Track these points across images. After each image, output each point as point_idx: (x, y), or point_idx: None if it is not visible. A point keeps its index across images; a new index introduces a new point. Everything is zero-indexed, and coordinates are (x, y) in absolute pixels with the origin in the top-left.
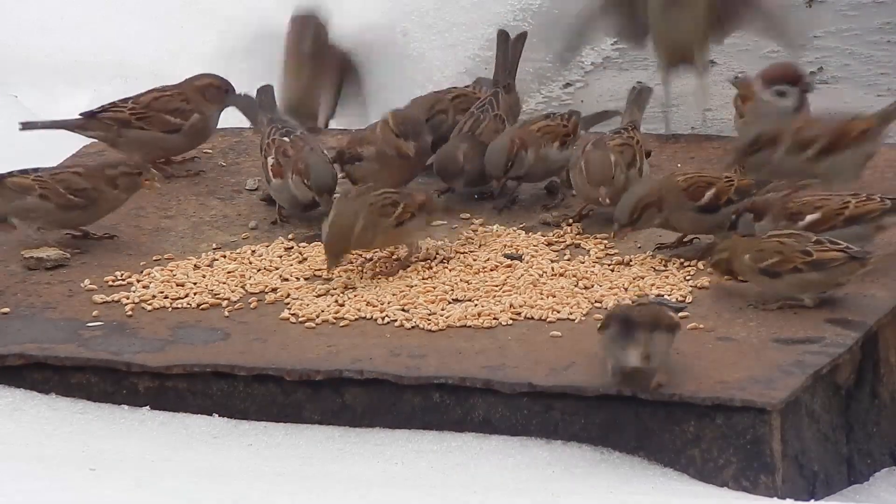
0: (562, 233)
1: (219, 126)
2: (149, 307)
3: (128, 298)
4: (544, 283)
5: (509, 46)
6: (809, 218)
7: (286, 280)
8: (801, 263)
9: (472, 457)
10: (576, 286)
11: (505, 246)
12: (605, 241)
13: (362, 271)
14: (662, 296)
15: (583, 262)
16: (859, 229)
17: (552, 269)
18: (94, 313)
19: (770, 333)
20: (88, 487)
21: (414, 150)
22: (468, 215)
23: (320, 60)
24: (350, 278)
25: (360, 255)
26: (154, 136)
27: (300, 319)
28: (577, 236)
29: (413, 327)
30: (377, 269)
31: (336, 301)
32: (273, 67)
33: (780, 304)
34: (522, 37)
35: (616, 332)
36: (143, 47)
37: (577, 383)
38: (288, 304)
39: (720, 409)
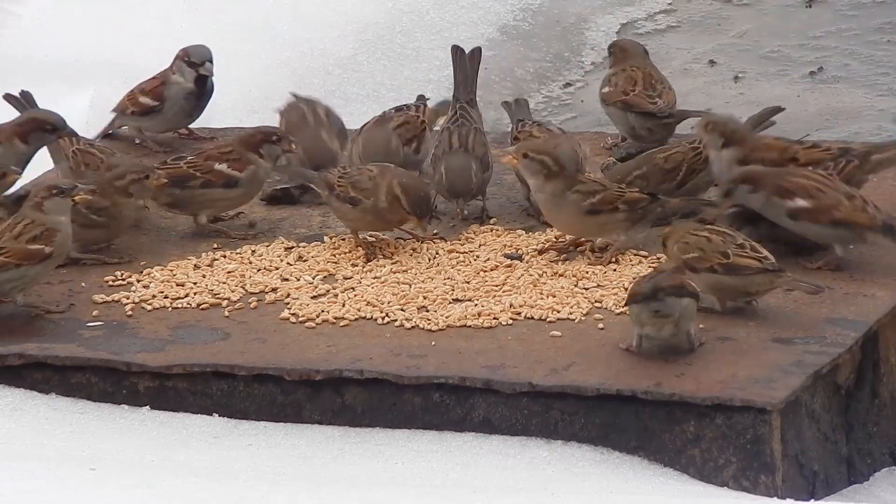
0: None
1: (223, 127)
2: (149, 307)
3: (128, 298)
4: (544, 283)
5: (466, 62)
6: (800, 203)
7: (286, 280)
8: (717, 264)
9: (472, 457)
10: (576, 286)
11: (505, 246)
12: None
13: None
14: None
15: (583, 262)
16: (844, 233)
17: (552, 269)
18: (94, 313)
19: (770, 333)
20: (88, 487)
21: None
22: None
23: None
24: (351, 278)
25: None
26: None
27: (300, 319)
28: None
29: (413, 327)
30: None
31: (336, 301)
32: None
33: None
34: (477, 52)
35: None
36: (143, 47)
37: (577, 383)
38: (288, 304)
39: (720, 409)
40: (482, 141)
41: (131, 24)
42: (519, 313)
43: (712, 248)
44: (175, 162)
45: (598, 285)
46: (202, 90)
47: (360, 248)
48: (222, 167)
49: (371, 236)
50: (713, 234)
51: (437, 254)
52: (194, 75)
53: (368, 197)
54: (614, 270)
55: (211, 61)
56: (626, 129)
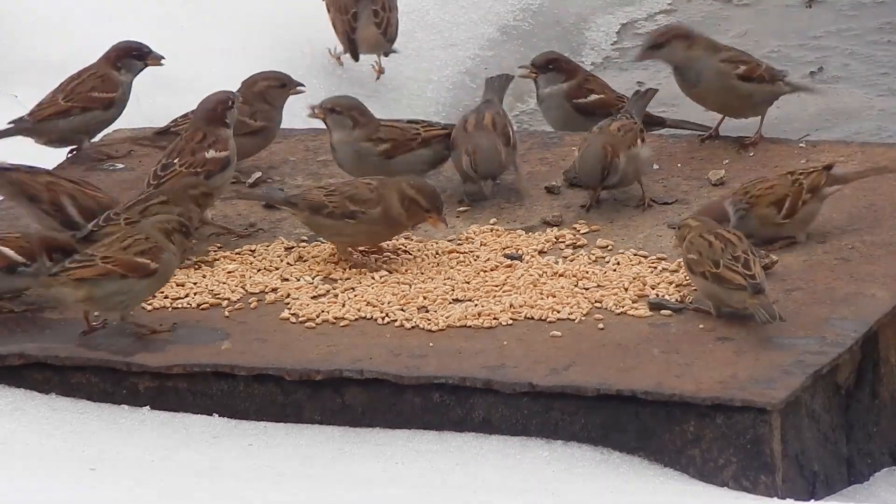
0: (562, 232)
1: None
2: (149, 307)
3: None
4: (544, 283)
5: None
6: None
7: (286, 280)
8: (708, 271)
9: (472, 457)
10: (576, 286)
11: (505, 246)
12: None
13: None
14: (662, 296)
15: (583, 262)
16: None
17: (552, 269)
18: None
19: (770, 333)
20: (88, 487)
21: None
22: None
23: None
24: (352, 277)
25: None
26: None
27: (300, 319)
28: (578, 234)
29: (413, 327)
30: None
31: (336, 301)
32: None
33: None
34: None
35: None
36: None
37: (577, 383)
38: (288, 304)
39: (720, 409)
40: (503, 118)
41: (131, 23)
42: (519, 313)
43: (709, 254)
44: (168, 171)
45: (598, 285)
46: None
47: (353, 266)
48: (212, 153)
49: (361, 251)
50: (719, 239)
51: (437, 254)
52: None
53: (373, 207)
54: (614, 270)
55: None
56: None
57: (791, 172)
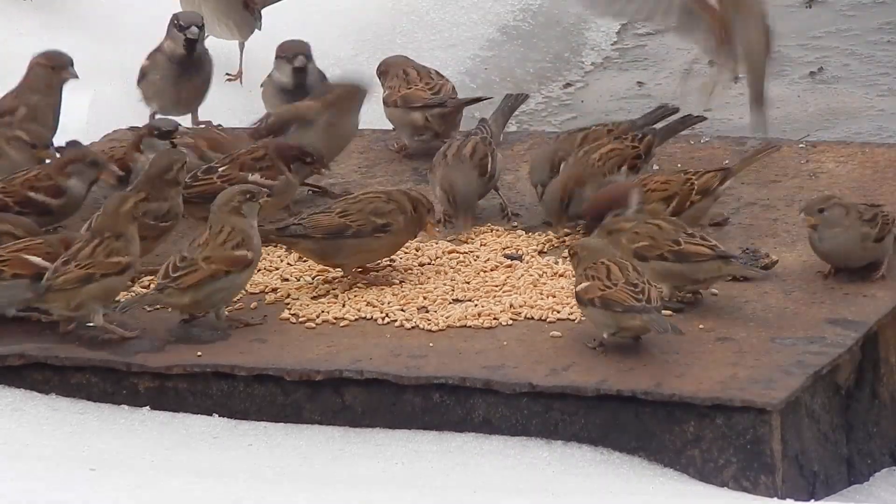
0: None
1: (221, 125)
2: (149, 307)
3: None
4: (544, 283)
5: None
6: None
7: (286, 280)
8: (668, 252)
9: (472, 457)
10: None
11: (505, 246)
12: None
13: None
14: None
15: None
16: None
17: (552, 269)
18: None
19: (770, 333)
20: (88, 487)
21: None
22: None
23: None
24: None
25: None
26: None
27: (300, 319)
28: (578, 234)
29: (413, 327)
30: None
31: (336, 301)
32: None
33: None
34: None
35: None
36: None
37: (577, 383)
38: (288, 304)
39: (720, 409)
40: (485, 146)
41: (129, 23)
42: (519, 313)
43: (663, 235)
44: (207, 175)
45: None
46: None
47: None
48: (255, 177)
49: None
50: (665, 222)
51: (437, 254)
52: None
53: (397, 216)
54: None
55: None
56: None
57: (686, 171)
